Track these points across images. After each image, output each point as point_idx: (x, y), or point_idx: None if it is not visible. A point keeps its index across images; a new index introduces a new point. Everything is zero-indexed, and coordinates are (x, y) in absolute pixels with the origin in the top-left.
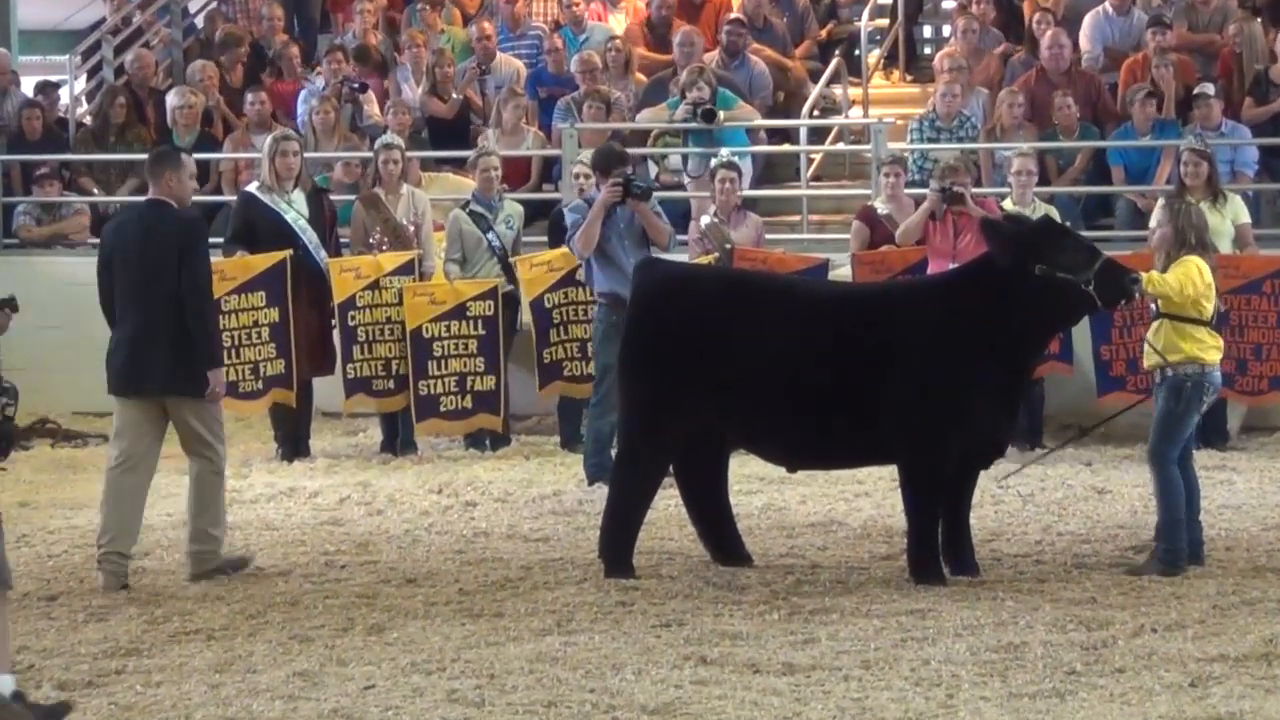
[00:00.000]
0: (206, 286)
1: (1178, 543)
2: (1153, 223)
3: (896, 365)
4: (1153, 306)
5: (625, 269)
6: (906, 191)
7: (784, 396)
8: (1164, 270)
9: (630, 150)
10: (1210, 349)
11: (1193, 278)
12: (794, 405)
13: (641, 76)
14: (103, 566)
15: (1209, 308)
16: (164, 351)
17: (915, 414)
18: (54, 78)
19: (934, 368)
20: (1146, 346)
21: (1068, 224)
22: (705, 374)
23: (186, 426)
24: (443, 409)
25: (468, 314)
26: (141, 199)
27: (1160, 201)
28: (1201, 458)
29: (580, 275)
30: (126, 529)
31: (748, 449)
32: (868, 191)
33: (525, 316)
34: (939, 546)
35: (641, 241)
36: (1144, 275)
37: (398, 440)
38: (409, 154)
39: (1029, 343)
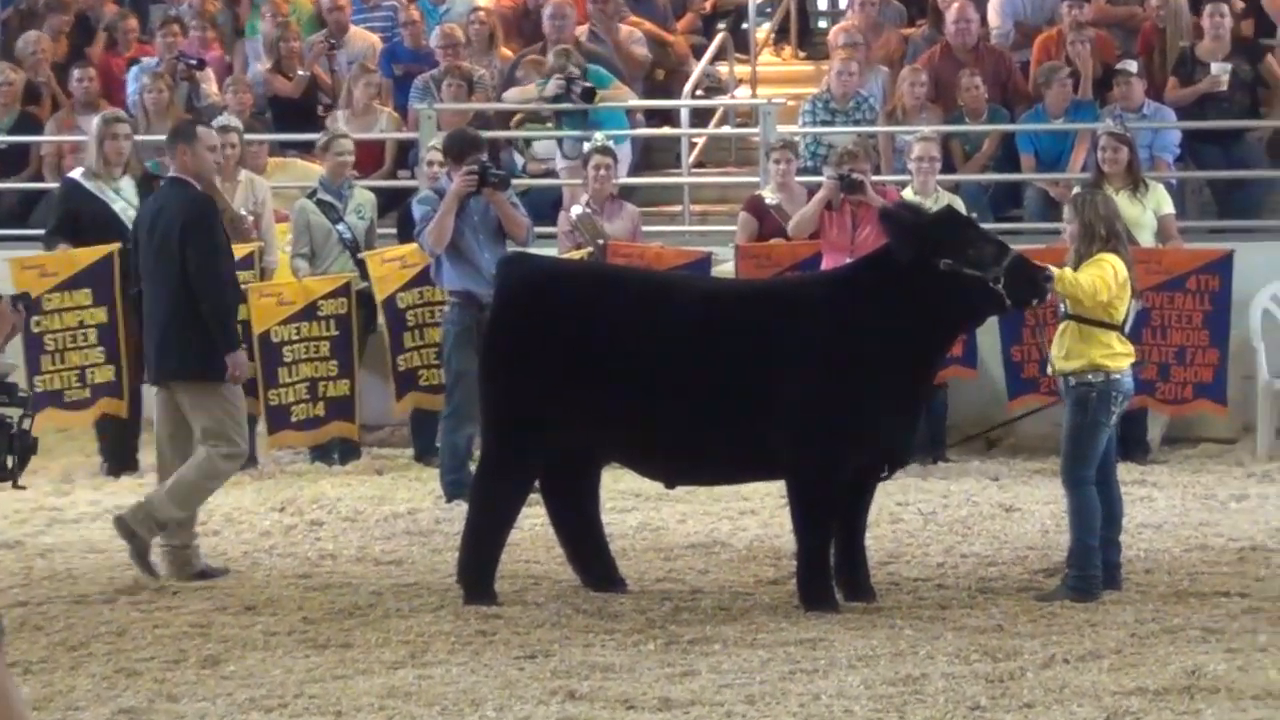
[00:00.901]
0: (213, 267)
1: (1091, 570)
2: (1065, 218)
3: (783, 370)
4: (1061, 307)
5: (480, 266)
6: (798, 179)
7: (659, 406)
8: (1076, 269)
9: (495, 134)
10: (1119, 355)
11: (1107, 279)
12: (670, 416)
13: (507, 52)
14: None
15: (1121, 310)
16: (163, 336)
17: (804, 424)
18: None
19: (825, 372)
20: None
21: (973, 215)
22: (572, 382)
23: (192, 416)
24: (294, 419)
25: (319, 314)
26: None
27: (1075, 190)
28: (1120, 472)
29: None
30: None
31: (622, 463)
32: (756, 179)
33: (380, 316)
34: (831, 570)
35: (498, 236)
36: (1055, 272)
37: None
38: (249, 137)
39: (931, 345)
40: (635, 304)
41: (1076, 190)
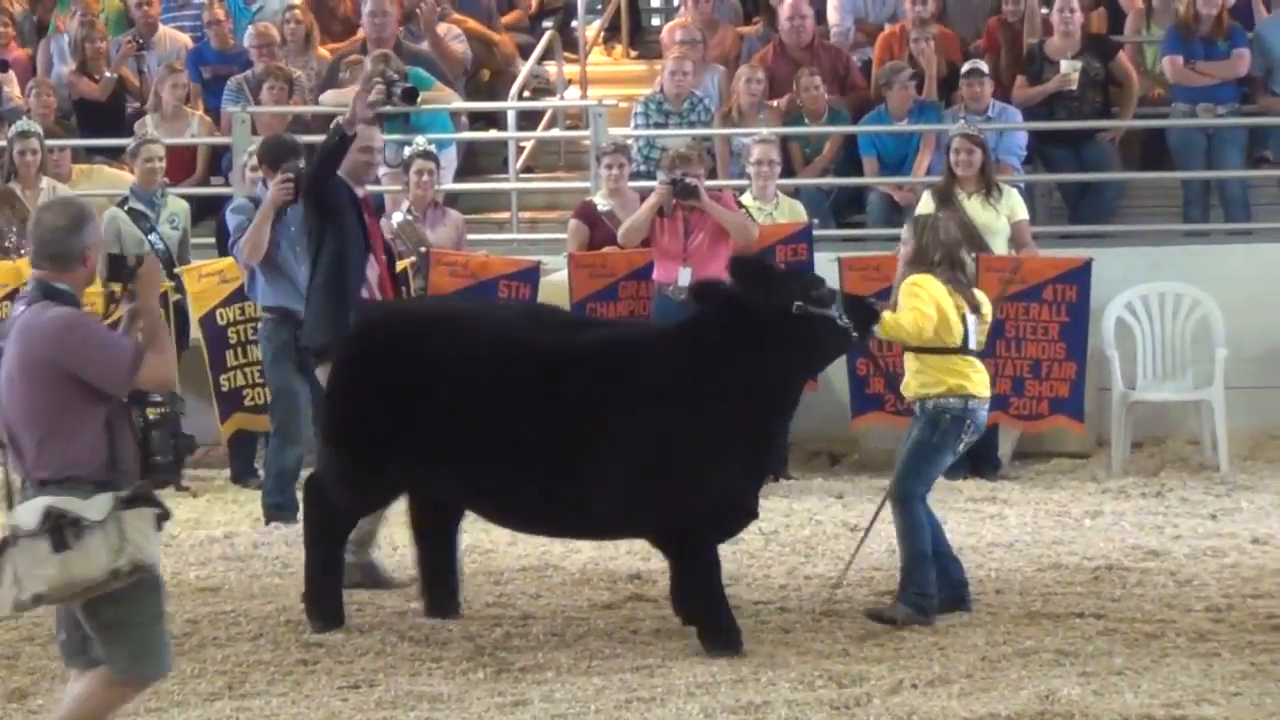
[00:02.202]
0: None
1: (928, 586)
2: (903, 236)
3: (626, 420)
4: None
5: (296, 279)
6: (631, 184)
7: (494, 459)
8: (911, 274)
9: (314, 138)
10: (975, 381)
11: (927, 313)
12: (506, 469)
13: (325, 52)
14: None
15: (956, 332)
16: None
17: (651, 477)
18: None
19: (672, 421)
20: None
21: (814, 221)
22: (408, 433)
23: None
24: None
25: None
26: None
27: (925, 194)
28: (969, 488)
29: None
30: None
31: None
32: (586, 184)
33: (195, 332)
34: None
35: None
36: (882, 319)
37: None
38: (52, 142)
39: (784, 391)
40: (468, 348)
41: (920, 212)
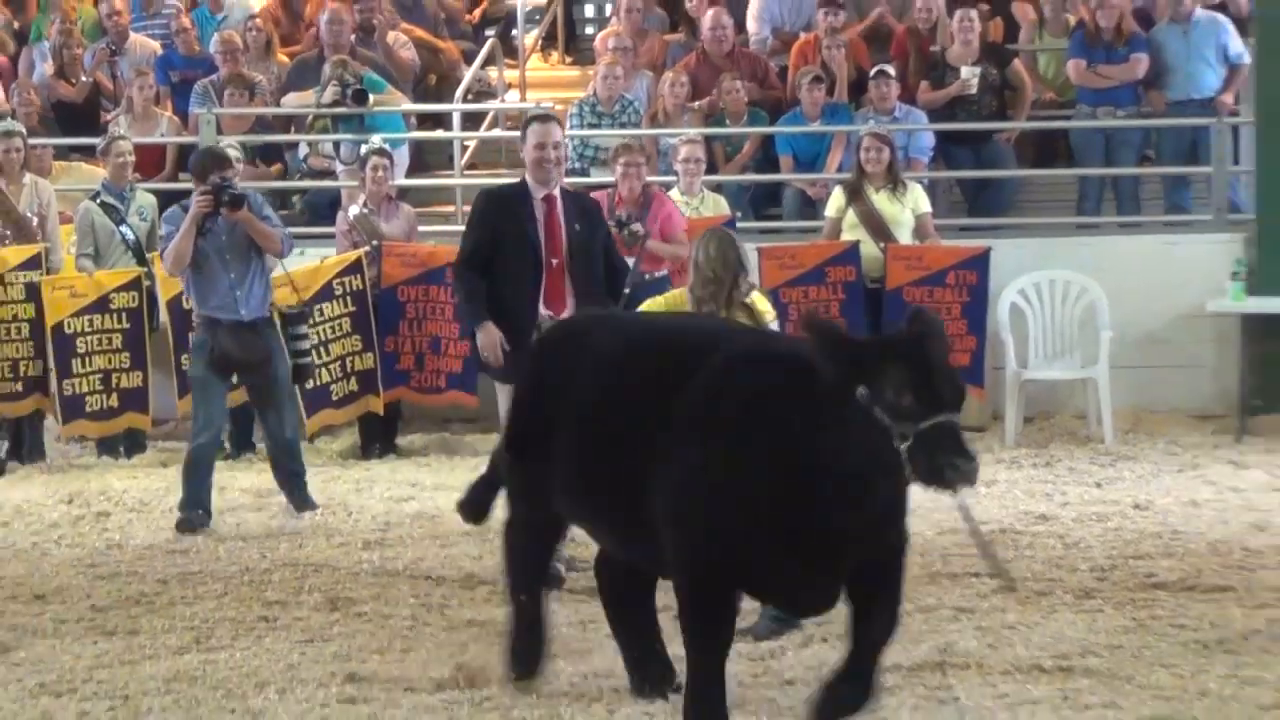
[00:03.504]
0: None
1: None
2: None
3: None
4: None
5: (220, 288)
6: (566, 180)
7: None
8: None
9: (276, 137)
10: None
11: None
12: (601, 493)
13: (284, 58)
14: None
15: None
16: None
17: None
18: None
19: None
20: None
21: (737, 214)
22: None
23: None
24: (88, 409)
25: (111, 306)
26: None
27: (835, 189)
28: None
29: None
30: None
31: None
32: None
33: (163, 315)
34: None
35: (247, 253)
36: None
37: (23, 448)
38: (34, 141)
39: (811, 473)
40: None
41: (830, 207)
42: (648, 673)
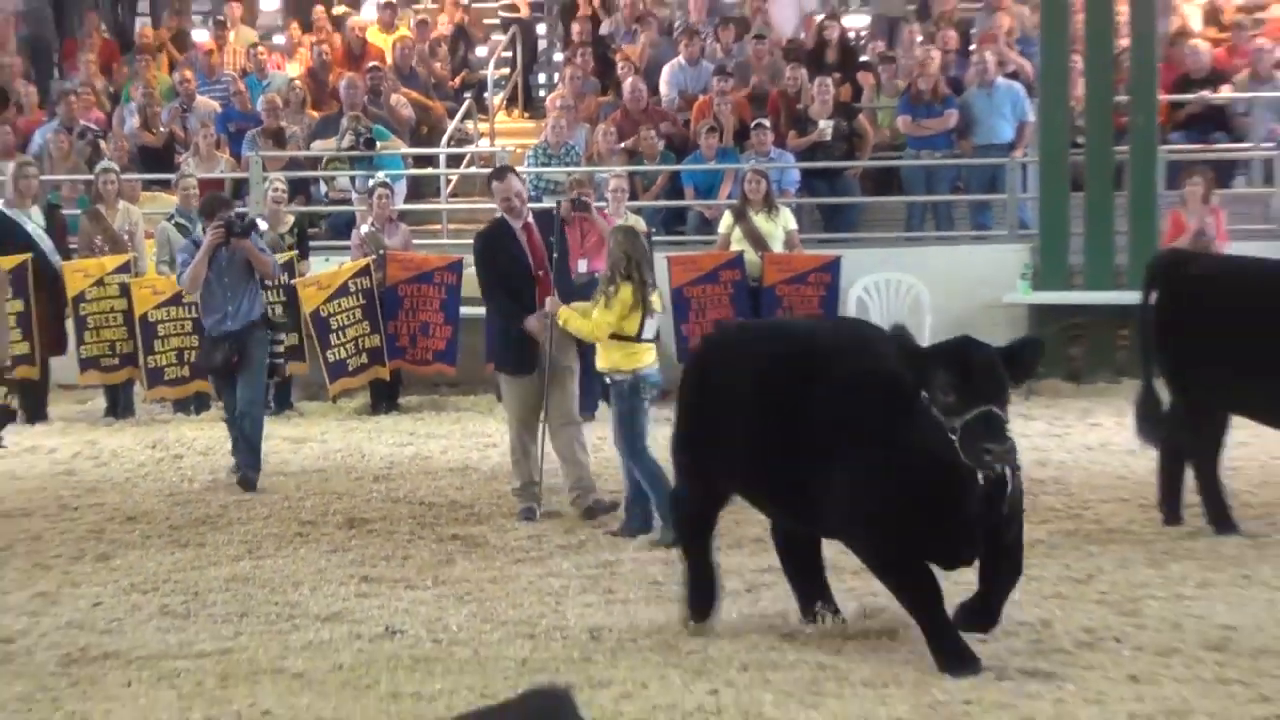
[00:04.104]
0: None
1: (649, 509)
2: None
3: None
4: None
5: (220, 307)
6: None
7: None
8: (608, 291)
9: (304, 173)
10: (639, 358)
11: (610, 319)
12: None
13: (314, 113)
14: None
15: (635, 325)
16: None
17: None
18: None
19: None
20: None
21: (651, 231)
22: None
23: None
24: (167, 378)
25: (183, 300)
26: None
27: (725, 212)
28: None
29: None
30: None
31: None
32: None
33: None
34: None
35: (244, 276)
36: (560, 314)
37: (119, 407)
38: (126, 176)
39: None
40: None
41: (722, 225)
42: (819, 607)
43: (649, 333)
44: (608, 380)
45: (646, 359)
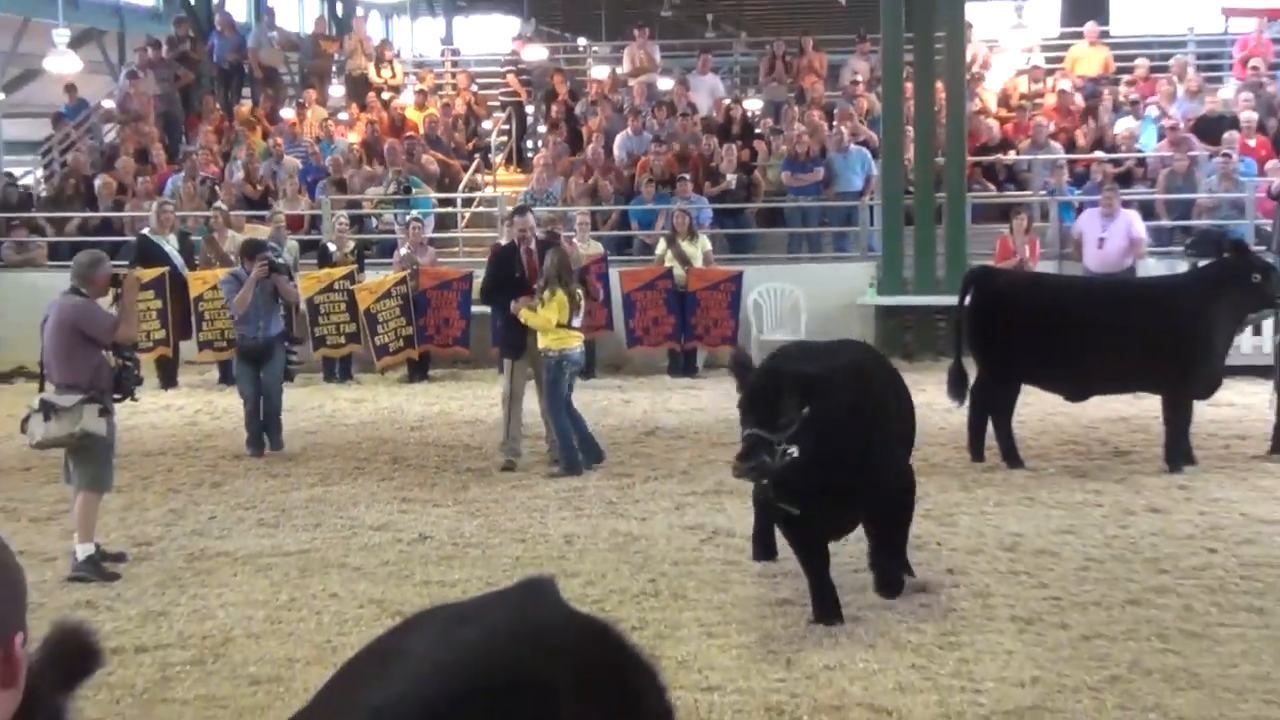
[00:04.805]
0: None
1: (574, 454)
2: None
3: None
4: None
5: (256, 323)
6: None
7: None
8: (544, 297)
9: (360, 211)
10: (567, 341)
11: (549, 316)
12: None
13: (367, 168)
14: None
15: (566, 317)
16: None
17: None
18: (20, 169)
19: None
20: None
21: (607, 252)
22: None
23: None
24: (328, 343)
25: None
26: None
27: (661, 239)
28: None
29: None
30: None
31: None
32: (496, 234)
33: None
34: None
35: (272, 301)
36: (522, 313)
37: (228, 376)
38: (234, 214)
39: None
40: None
41: (659, 247)
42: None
43: (576, 322)
44: (547, 355)
45: (572, 342)
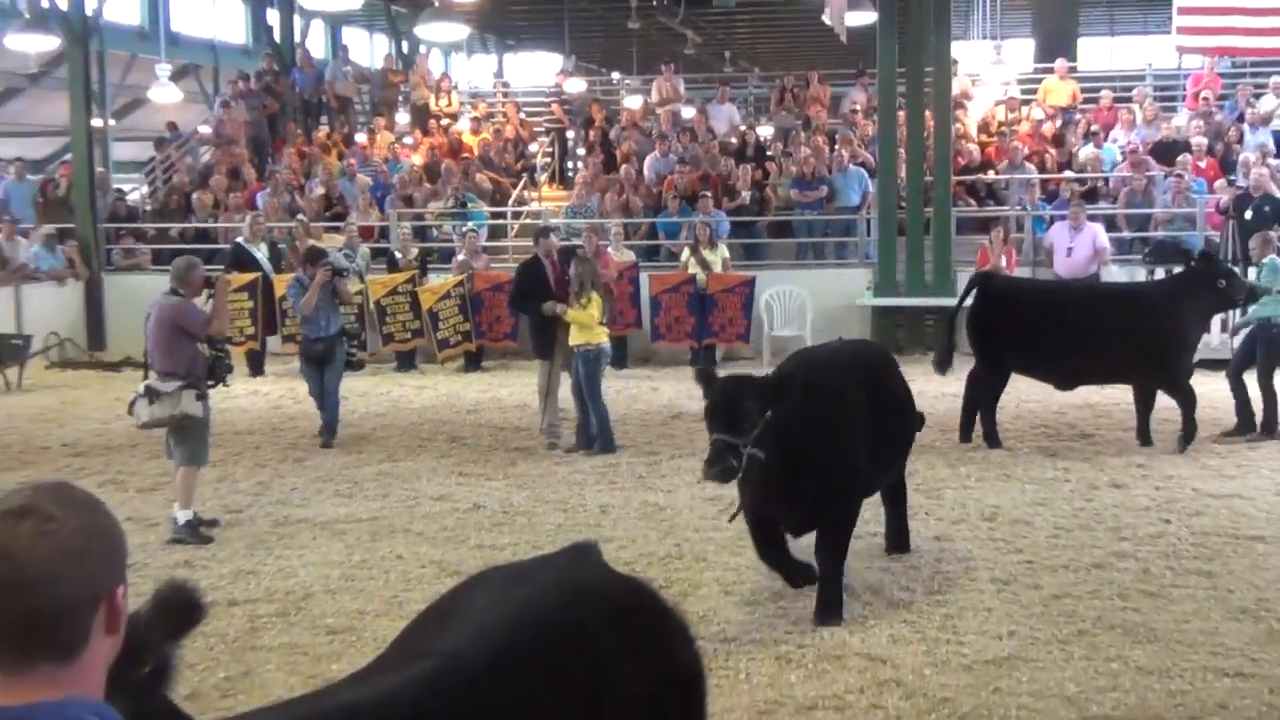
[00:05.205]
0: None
1: (611, 434)
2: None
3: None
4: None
5: (319, 323)
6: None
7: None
8: (581, 300)
9: (423, 222)
10: (599, 336)
11: (594, 313)
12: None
13: (429, 185)
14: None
15: (600, 315)
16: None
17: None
18: (128, 186)
19: (1165, 329)
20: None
21: (635, 258)
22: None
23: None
24: (396, 338)
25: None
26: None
27: (685, 248)
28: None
29: (415, 283)
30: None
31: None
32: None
33: (370, 305)
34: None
35: (330, 302)
36: (568, 314)
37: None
38: (312, 224)
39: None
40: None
41: (683, 256)
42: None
43: (605, 319)
44: (576, 350)
45: (603, 337)
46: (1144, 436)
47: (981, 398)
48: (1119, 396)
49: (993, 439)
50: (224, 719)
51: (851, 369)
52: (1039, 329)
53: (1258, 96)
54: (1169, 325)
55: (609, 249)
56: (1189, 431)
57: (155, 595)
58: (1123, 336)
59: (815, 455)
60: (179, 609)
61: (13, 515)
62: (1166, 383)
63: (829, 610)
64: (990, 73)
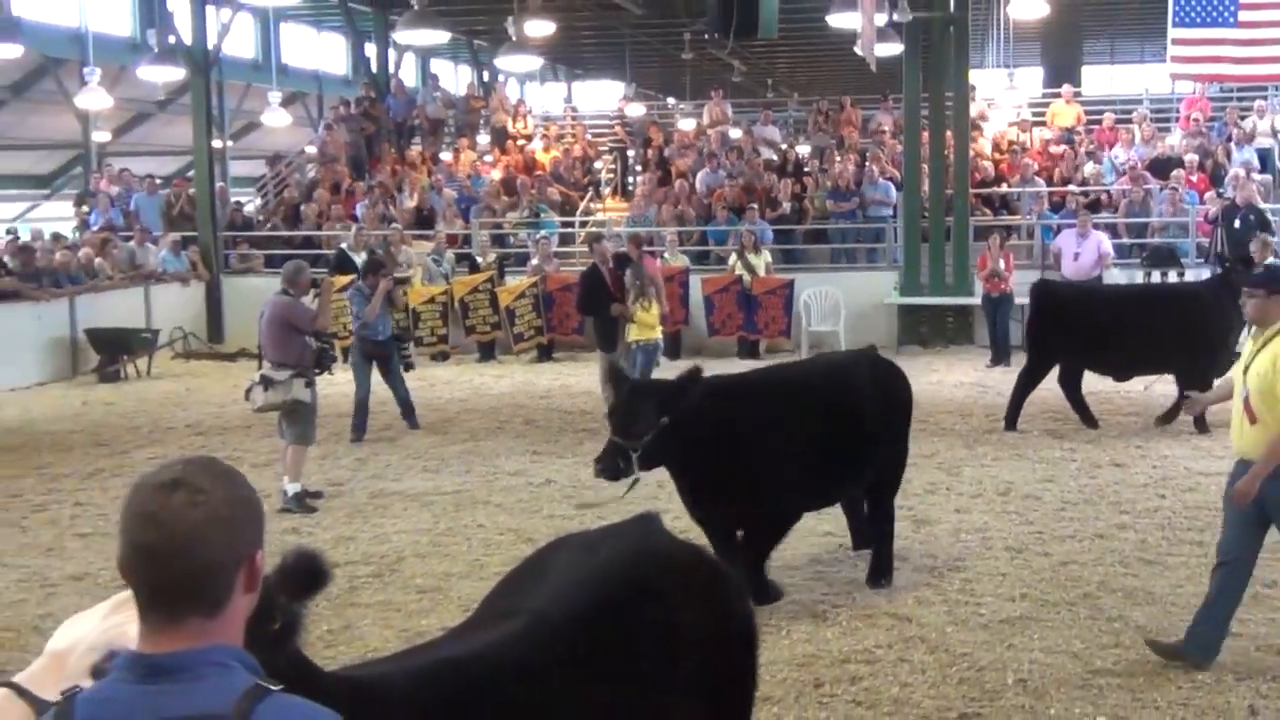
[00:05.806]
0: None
1: None
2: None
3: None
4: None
5: (377, 328)
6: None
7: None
8: (642, 301)
9: (502, 231)
10: (655, 332)
11: (656, 312)
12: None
13: (507, 198)
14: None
15: (657, 313)
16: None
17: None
18: (243, 199)
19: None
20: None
21: (690, 265)
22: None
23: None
24: (476, 331)
25: (435, 299)
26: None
27: (733, 253)
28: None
29: (492, 286)
30: None
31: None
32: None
33: (455, 303)
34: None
35: (386, 307)
36: (638, 314)
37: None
38: (405, 232)
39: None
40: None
41: (730, 261)
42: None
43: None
44: (633, 345)
45: (658, 333)
46: (1200, 425)
47: (1023, 385)
48: (1120, 386)
49: (1011, 423)
50: (343, 669)
51: (801, 386)
52: (1088, 328)
53: (1244, 118)
54: (1216, 322)
55: (664, 253)
56: (1201, 420)
57: (283, 561)
58: (1173, 333)
59: (719, 461)
60: (305, 574)
61: (166, 487)
62: (1191, 374)
63: (758, 594)
64: (1004, 97)
